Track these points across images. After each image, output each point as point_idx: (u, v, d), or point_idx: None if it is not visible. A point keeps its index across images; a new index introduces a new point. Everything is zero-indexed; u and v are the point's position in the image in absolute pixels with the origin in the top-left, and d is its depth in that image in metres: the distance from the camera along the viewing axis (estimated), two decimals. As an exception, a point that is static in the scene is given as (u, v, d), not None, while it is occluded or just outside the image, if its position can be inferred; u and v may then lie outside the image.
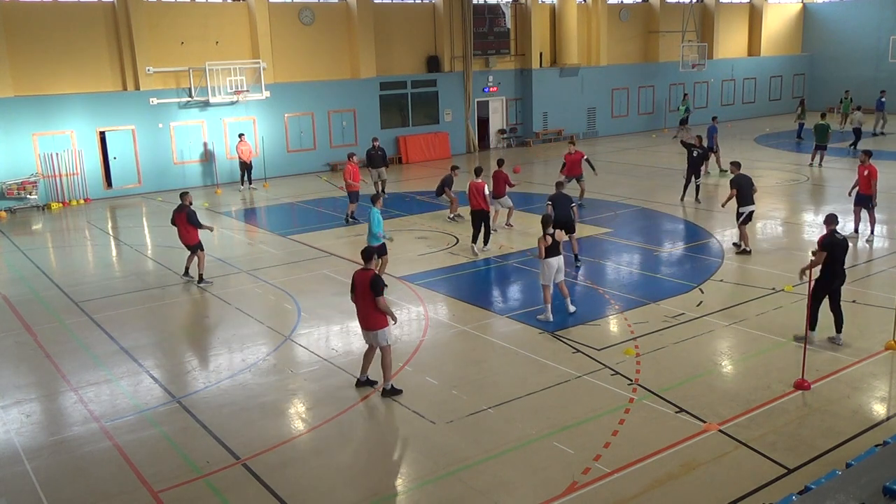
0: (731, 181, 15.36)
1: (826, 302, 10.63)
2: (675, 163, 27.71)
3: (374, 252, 9.74)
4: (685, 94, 37.01)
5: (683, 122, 34.20)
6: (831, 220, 10.67)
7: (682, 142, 22.30)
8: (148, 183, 25.62)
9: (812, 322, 10.49)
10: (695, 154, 20.30)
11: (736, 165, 15.78)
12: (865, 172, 15.87)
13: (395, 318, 9.48)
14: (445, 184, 19.26)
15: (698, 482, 7.48)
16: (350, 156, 19.71)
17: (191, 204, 14.59)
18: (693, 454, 7.93)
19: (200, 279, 14.67)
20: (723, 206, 16.44)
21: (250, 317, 12.85)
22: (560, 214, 14.36)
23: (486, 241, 16.22)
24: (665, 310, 12.30)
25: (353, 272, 9.62)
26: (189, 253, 14.74)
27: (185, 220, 14.38)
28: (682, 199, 20.56)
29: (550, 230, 11.83)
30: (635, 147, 32.86)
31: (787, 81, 44.09)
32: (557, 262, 11.87)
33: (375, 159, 22.40)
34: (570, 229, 14.57)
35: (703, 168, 20.50)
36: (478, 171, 16.40)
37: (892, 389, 9.37)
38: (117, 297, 14.19)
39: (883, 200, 17.40)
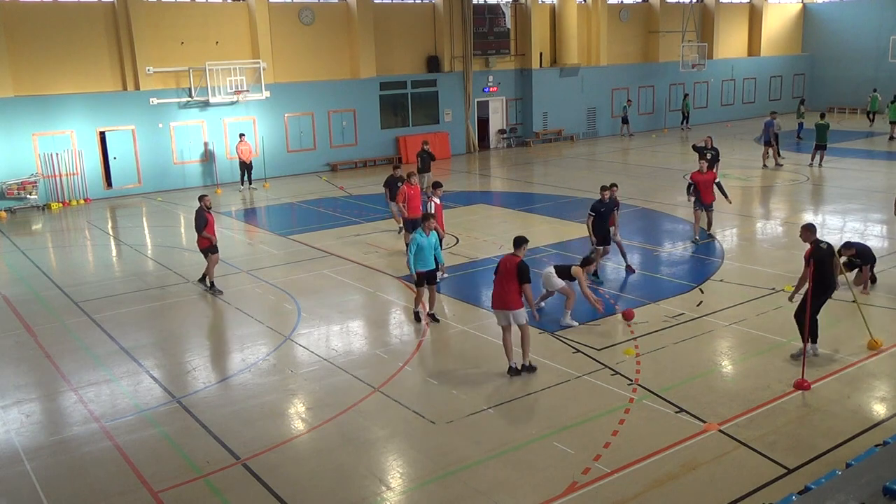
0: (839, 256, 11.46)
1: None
2: (675, 163, 27.72)
3: (525, 240, 10.04)
4: (629, 100, 36.87)
5: (625, 120, 35.84)
6: (811, 230, 9.99)
7: (693, 146, 22.05)
8: (148, 183, 25.63)
9: (813, 335, 10.04)
10: (709, 157, 20.14)
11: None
12: None
13: (532, 307, 10.09)
14: (389, 185, 17.20)
15: (698, 482, 7.47)
16: (408, 176, 15.84)
17: (209, 208, 13.96)
18: (693, 454, 7.93)
19: (203, 278, 14.34)
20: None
21: (250, 317, 12.85)
22: (600, 227, 13.97)
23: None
24: (665, 310, 12.30)
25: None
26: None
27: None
28: None
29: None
30: (635, 147, 32.87)
31: (787, 81, 44.10)
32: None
33: (427, 162, 21.20)
34: (604, 241, 14.07)
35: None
36: (435, 186, 14.92)
37: (892, 389, 9.37)
38: (117, 297, 14.19)
39: (883, 200, 17.38)
